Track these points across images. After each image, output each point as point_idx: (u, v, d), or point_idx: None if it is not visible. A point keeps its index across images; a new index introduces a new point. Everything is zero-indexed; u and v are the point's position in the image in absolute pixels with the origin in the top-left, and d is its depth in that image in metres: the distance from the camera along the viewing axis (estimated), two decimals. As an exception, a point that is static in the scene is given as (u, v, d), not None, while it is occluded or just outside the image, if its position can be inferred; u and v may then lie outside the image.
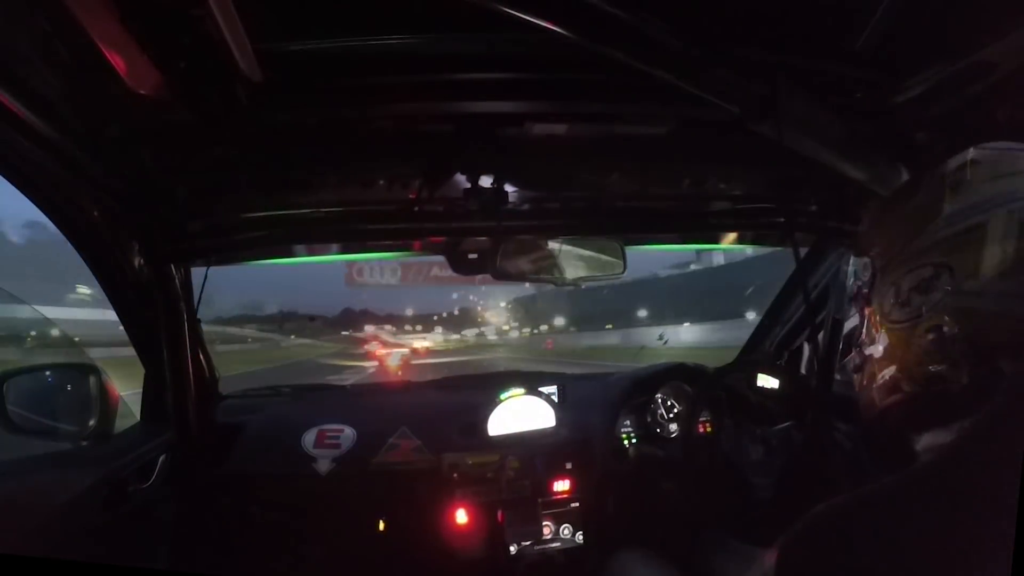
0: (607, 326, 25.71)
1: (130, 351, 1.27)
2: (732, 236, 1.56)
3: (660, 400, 1.59)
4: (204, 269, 1.34)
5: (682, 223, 1.47)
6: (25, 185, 0.91)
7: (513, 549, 1.43)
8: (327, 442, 1.43)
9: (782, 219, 1.35)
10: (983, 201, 0.50)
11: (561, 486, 1.48)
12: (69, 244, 1.06)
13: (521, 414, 1.51)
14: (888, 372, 0.56)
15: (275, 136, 0.99)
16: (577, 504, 1.48)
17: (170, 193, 1.08)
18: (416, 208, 1.20)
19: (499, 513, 1.43)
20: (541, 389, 1.54)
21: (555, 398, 1.55)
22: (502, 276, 1.29)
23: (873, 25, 0.75)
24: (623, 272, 1.37)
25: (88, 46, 0.66)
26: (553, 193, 1.28)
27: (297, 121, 0.96)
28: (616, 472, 1.51)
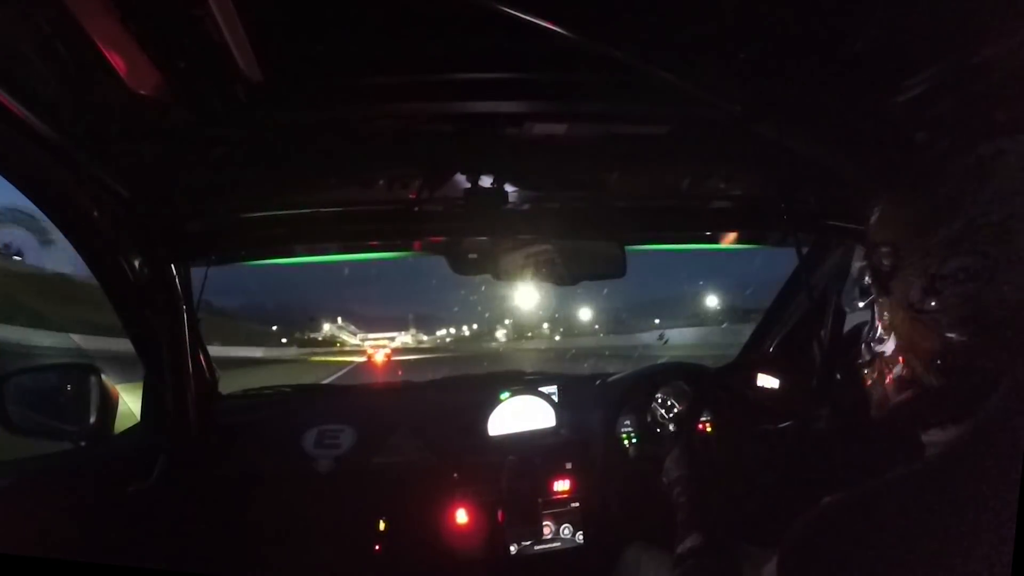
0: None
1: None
2: (732, 236, 1.56)
3: (660, 400, 1.59)
4: (204, 269, 1.34)
5: (682, 223, 1.47)
6: (25, 185, 0.91)
7: (513, 549, 1.43)
8: (327, 442, 1.43)
9: (782, 219, 1.35)
10: (1017, 190, 0.49)
11: (561, 486, 1.48)
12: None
13: (521, 414, 1.51)
14: (903, 366, 0.55)
15: (275, 136, 0.99)
16: (577, 504, 1.48)
17: (170, 193, 1.08)
18: (416, 208, 1.20)
19: (499, 513, 1.43)
20: (541, 389, 1.54)
21: (555, 398, 1.55)
22: (502, 276, 1.29)
23: (873, 25, 0.75)
24: (623, 272, 1.37)
25: (88, 46, 0.66)
26: (553, 193, 1.28)
27: (297, 121, 0.96)
28: (616, 472, 1.51)
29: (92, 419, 1.15)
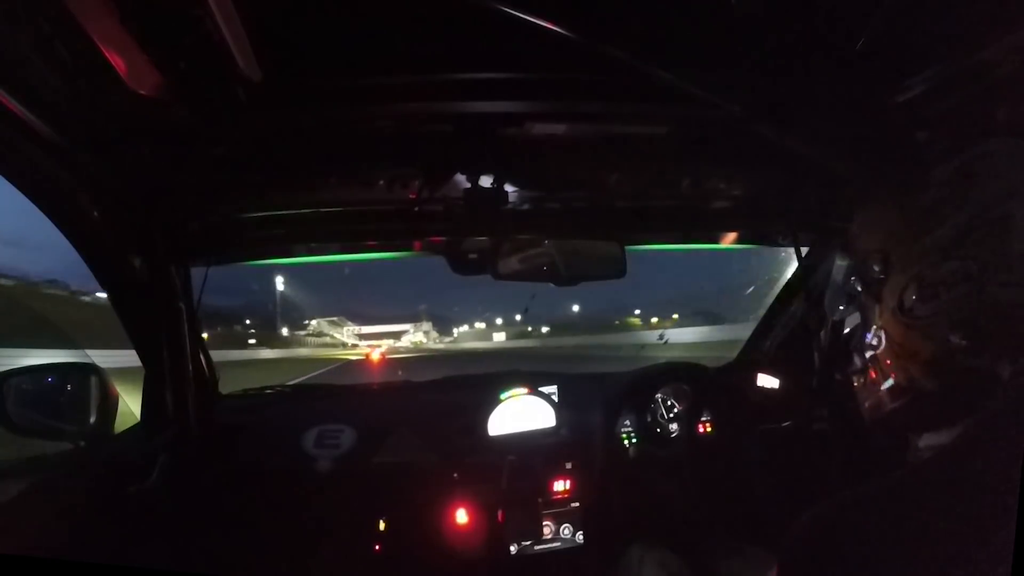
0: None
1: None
2: (732, 236, 1.56)
3: (660, 400, 1.59)
4: (204, 269, 1.34)
5: (682, 223, 1.47)
6: (25, 185, 0.91)
7: (513, 549, 1.43)
8: (327, 442, 1.43)
9: (782, 219, 1.35)
10: (1006, 192, 0.49)
11: (561, 486, 1.48)
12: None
13: (521, 414, 1.51)
14: (898, 370, 0.55)
15: (275, 136, 0.99)
16: (577, 504, 1.48)
17: (170, 193, 1.08)
18: (416, 208, 1.20)
19: (499, 513, 1.43)
20: (541, 389, 1.54)
21: (555, 398, 1.54)
22: (502, 276, 1.29)
23: (873, 25, 0.75)
24: (623, 272, 1.37)
25: (88, 46, 0.66)
26: (553, 193, 1.28)
27: (297, 121, 0.96)
28: (616, 472, 1.51)
29: (92, 419, 1.15)
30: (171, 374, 1.17)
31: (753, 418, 1.50)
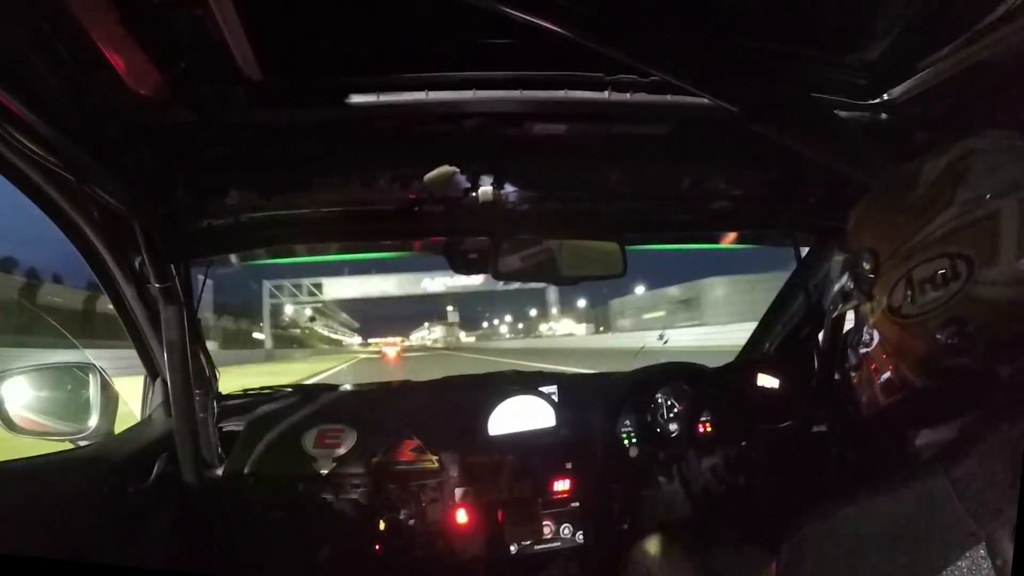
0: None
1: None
2: (732, 236, 1.57)
3: (660, 400, 1.59)
4: (204, 269, 1.34)
5: (682, 223, 1.47)
6: (25, 185, 0.91)
7: (513, 549, 1.43)
8: (327, 442, 1.43)
9: (782, 218, 1.35)
10: (992, 189, 0.49)
11: (561, 486, 1.48)
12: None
13: (521, 414, 1.51)
14: (893, 369, 0.55)
15: (275, 136, 0.99)
16: (577, 504, 1.48)
17: (170, 193, 1.08)
18: (416, 208, 1.20)
19: (499, 513, 1.43)
20: (541, 389, 1.54)
21: (555, 398, 1.54)
22: (501, 276, 1.29)
23: (873, 25, 0.75)
24: (623, 272, 1.37)
25: (88, 46, 0.66)
26: (553, 193, 1.28)
27: (297, 121, 0.96)
28: (616, 472, 1.51)
29: (92, 419, 1.15)
30: (171, 374, 1.17)
31: (753, 418, 1.50)
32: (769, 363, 1.66)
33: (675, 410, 1.59)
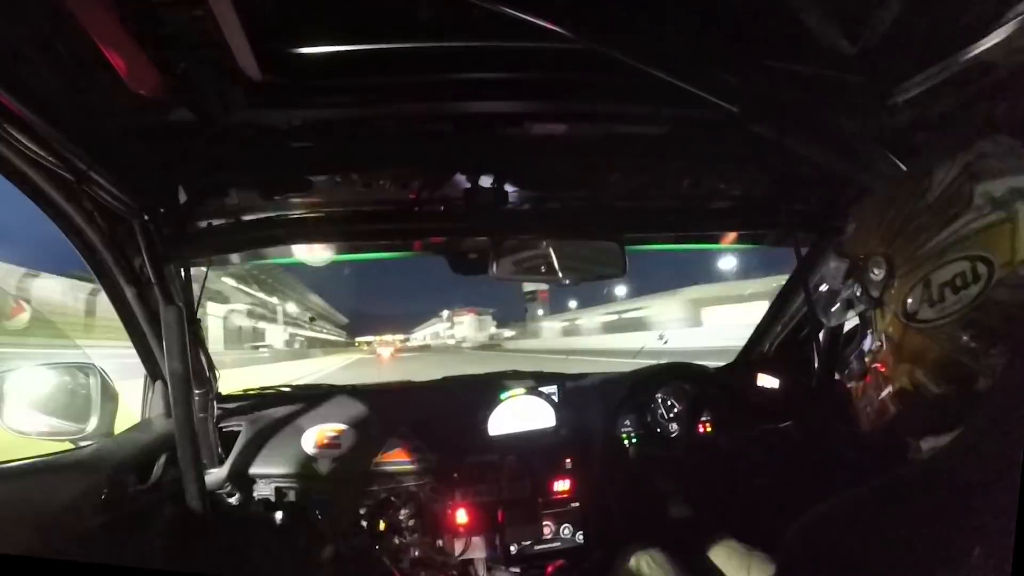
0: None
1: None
2: (732, 236, 1.56)
3: (660, 400, 1.59)
4: (204, 269, 1.34)
5: (682, 223, 1.46)
6: (25, 184, 0.91)
7: (513, 549, 1.43)
8: (327, 442, 1.43)
9: (782, 219, 1.35)
10: (1008, 193, 0.49)
11: (561, 486, 1.48)
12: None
13: (521, 414, 1.51)
14: (901, 371, 0.55)
15: (275, 136, 0.99)
16: (577, 504, 1.48)
17: (170, 193, 1.08)
18: (416, 208, 1.20)
19: (499, 513, 1.43)
20: (541, 389, 1.54)
21: (555, 398, 1.55)
22: (502, 276, 1.29)
23: (872, 25, 0.75)
24: (623, 272, 1.37)
25: (88, 46, 0.66)
26: (553, 193, 1.28)
27: (297, 121, 0.96)
28: (616, 472, 1.51)
29: (92, 419, 1.15)
30: (171, 374, 1.17)
31: (753, 418, 1.50)
32: (769, 363, 1.66)
33: (675, 410, 1.59)
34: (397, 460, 1.44)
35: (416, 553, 1.43)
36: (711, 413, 1.53)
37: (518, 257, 1.30)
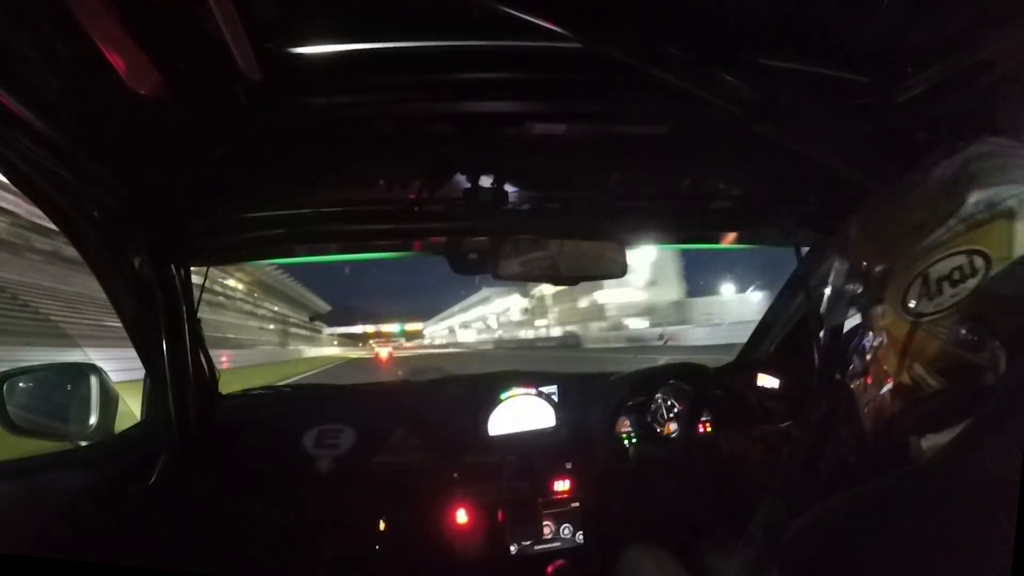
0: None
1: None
2: (733, 236, 1.56)
3: (660, 400, 1.59)
4: (204, 269, 1.34)
5: (682, 223, 1.47)
6: (25, 185, 0.91)
7: (513, 549, 1.43)
8: (327, 442, 1.43)
9: (782, 218, 1.35)
10: (1006, 187, 0.49)
11: (561, 486, 1.48)
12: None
13: (521, 414, 1.51)
14: (902, 369, 0.55)
15: (275, 136, 0.99)
16: (577, 504, 1.48)
17: (170, 193, 1.08)
18: (416, 208, 1.20)
19: (499, 513, 1.43)
20: (541, 389, 1.54)
21: (555, 398, 1.55)
22: (502, 276, 1.29)
23: (873, 25, 0.75)
24: (623, 272, 1.37)
25: (88, 46, 0.66)
26: (553, 193, 1.28)
27: (297, 121, 0.96)
28: (616, 472, 1.51)
29: (92, 419, 1.15)
30: (171, 374, 1.17)
31: (753, 418, 1.50)
32: (769, 363, 1.66)
33: (675, 410, 1.59)
34: (397, 460, 1.44)
35: (416, 553, 1.43)
36: (711, 413, 1.53)
37: (519, 257, 1.30)
